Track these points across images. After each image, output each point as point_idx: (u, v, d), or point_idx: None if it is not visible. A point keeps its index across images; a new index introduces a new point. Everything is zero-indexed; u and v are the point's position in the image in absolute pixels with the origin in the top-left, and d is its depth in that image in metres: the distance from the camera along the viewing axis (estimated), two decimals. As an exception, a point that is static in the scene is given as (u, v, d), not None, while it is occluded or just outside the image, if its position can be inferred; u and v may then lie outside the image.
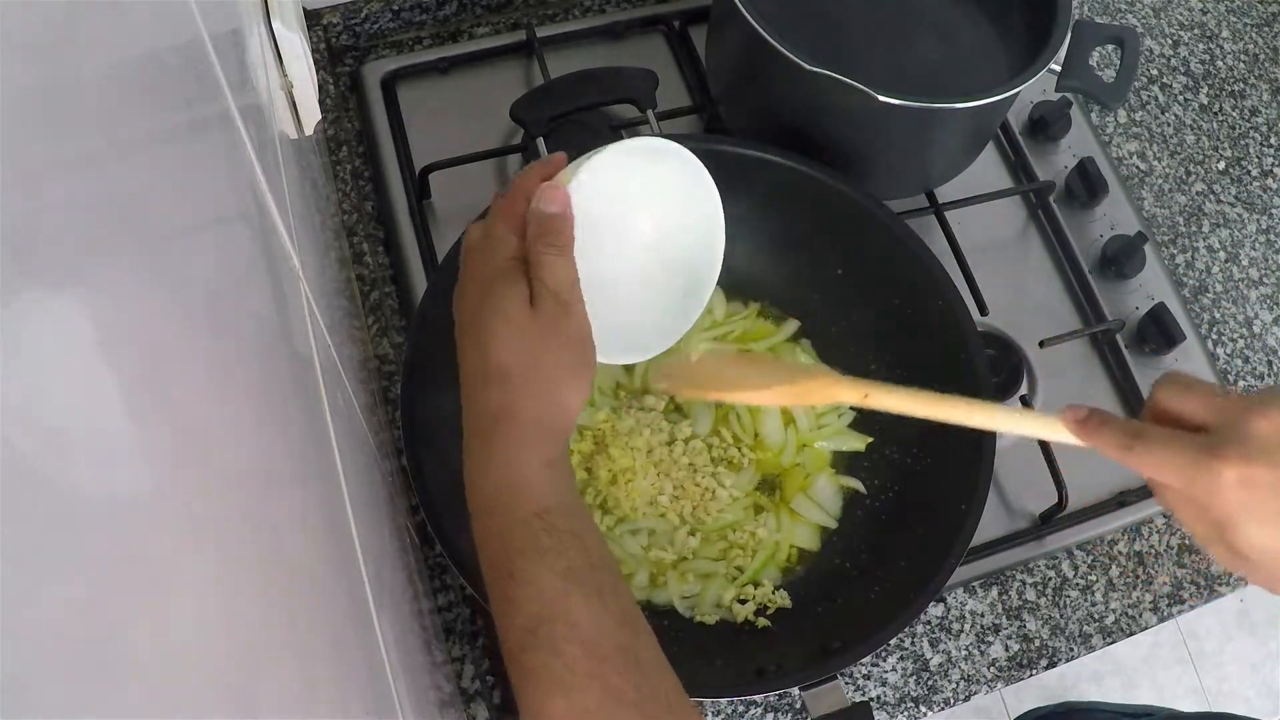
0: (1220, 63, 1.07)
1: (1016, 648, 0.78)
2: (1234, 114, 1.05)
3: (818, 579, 0.75)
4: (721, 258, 0.64)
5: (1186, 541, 0.84)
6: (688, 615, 0.73)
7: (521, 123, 0.81)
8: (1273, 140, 1.04)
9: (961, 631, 0.78)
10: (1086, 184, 0.93)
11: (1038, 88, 0.93)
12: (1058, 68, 0.76)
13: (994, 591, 0.80)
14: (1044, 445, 0.80)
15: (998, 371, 0.84)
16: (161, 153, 0.27)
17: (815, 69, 0.70)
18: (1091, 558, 0.82)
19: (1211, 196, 1.00)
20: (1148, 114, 1.03)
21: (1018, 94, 0.74)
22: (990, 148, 0.96)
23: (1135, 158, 1.00)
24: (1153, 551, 0.83)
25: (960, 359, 0.72)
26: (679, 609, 0.73)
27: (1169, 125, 1.03)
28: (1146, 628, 0.80)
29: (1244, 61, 1.08)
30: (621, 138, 0.89)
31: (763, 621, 0.72)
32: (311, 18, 0.90)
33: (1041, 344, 0.86)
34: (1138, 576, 0.82)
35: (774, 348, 0.82)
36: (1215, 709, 1.76)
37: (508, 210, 0.54)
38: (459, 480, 0.58)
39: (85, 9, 0.21)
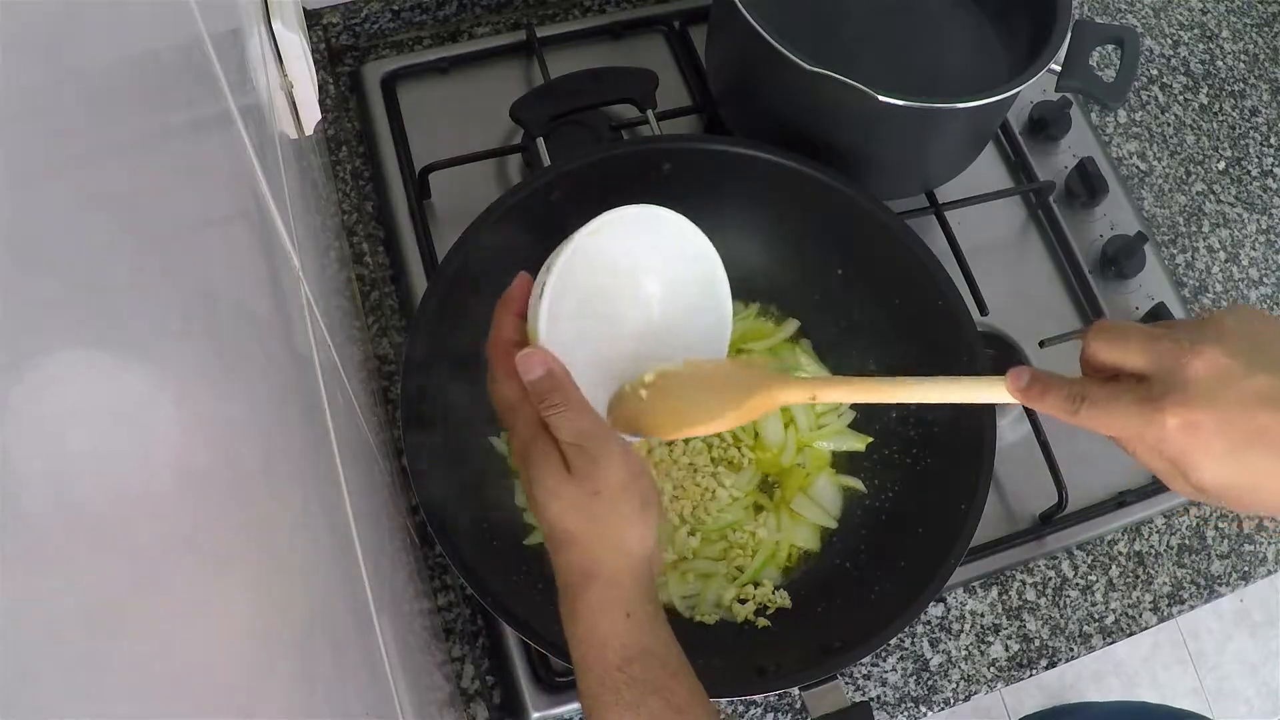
0: (1220, 63, 1.07)
1: (1016, 648, 0.78)
2: (1234, 114, 1.05)
3: (818, 579, 0.75)
4: (731, 314, 0.63)
5: (1186, 541, 0.84)
6: (688, 615, 0.73)
7: (521, 123, 0.81)
8: (1273, 140, 1.04)
9: (961, 631, 0.78)
10: (1086, 184, 0.93)
11: (1038, 88, 0.93)
12: (1058, 68, 0.76)
13: (994, 591, 0.80)
14: (1044, 445, 0.80)
15: (998, 372, 0.84)
16: (161, 152, 0.27)
17: (815, 69, 0.70)
18: (1091, 558, 0.82)
19: (1211, 196, 1.00)
20: (1148, 114, 1.03)
21: (1018, 94, 0.74)
22: (990, 148, 0.96)
23: (1135, 158, 1.00)
24: (1153, 551, 0.83)
25: (960, 359, 0.72)
26: (679, 609, 0.73)
27: (1169, 125, 1.03)
28: (1146, 628, 0.80)
29: (1244, 61, 1.08)
30: (621, 138, 0.89)
31: (763, 621, 0.72)
32: (311, 18, 0.90)
33: (1041, 344, 0.86)
34: (1138, 576, 0.82)
35: (774, 348, 0.82)
36: (1215, 709, 1.76)
37: (503, 369, 0.54)
38: (459, 480, 0.57)
39: (85, 9, 0.21)
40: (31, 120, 0.17)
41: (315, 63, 0.65)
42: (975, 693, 0.76)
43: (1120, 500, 0.83)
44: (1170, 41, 1.07)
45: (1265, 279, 0.97)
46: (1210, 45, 1.08)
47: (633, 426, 0.58)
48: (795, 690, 0.65)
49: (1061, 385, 0.48)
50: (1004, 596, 0.80)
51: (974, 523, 0.67)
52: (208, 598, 0.24)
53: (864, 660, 0.75)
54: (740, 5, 0.72)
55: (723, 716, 0.53)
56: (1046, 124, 0.96)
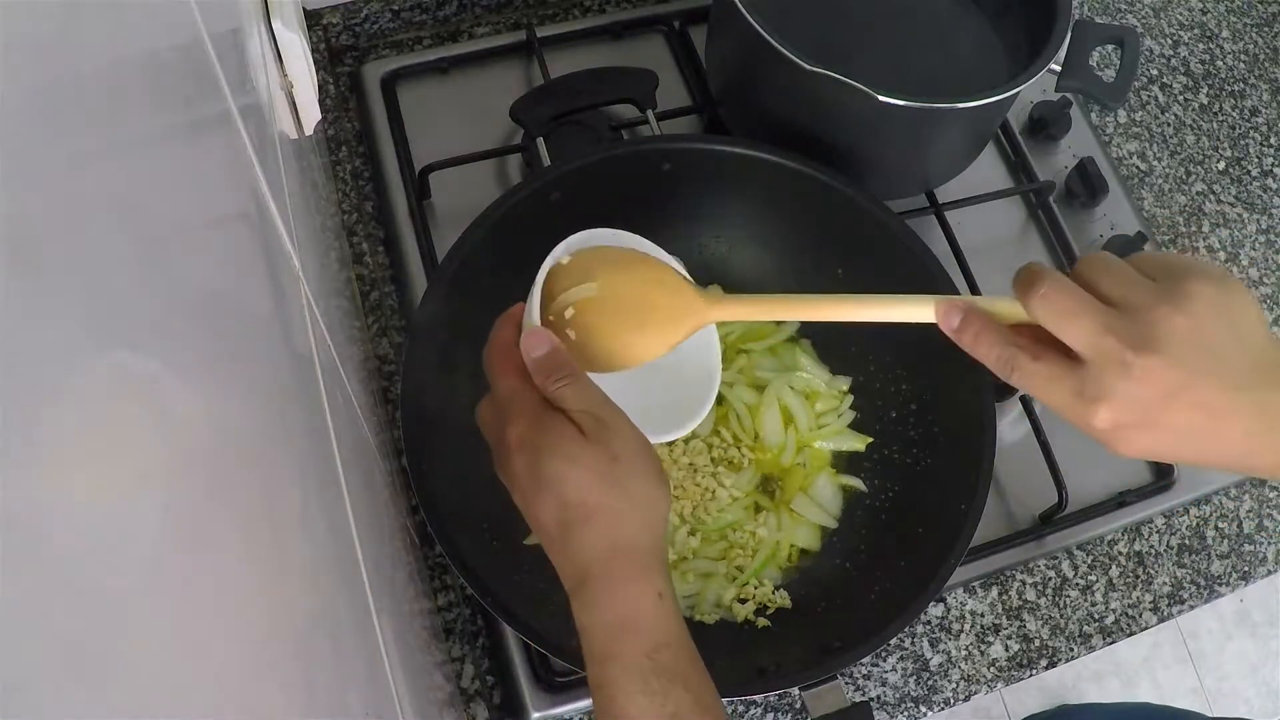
0: (1220, 63, 1.07)
1: (1016, 648, 0.78)
2: (1234, 114, 1.05)
3: (818, 579, 0.75)
4: (718, 337, 0.61)
5: (1186, 541, 0.84)
6: (688, 615, 0.73)
7: (521, 123, 0.81)
8: (1273, 140, 1.04)
9: (961, 631, 0.78)
10: (1086, 184, 0.93)
11: (1038, 88, 0.93)
12: (1058, 68, 0.76)
13: (994, 591, 0.80)
14: (1044, 445, 0.80)
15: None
16: (161, 152, 0.27)
17: (815, 69, 0.70)
18: (1091, 558, 0.82)
19: (1211, 196, 1.00)
20: (1148, 114, 1.03)
21: (1018, 94, 0.74)
22: (990, 148, 0.96)
23: (1135, 158, 1.00)
24: (1153, 551, 0.83)
25: (960, 359, 0.72)
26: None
27: (1169, 125, 1.03)
28: (1146, 628, 0.80)
29: (1244, 61, 1.08)
30: (621, 138, 0.89)
31: (763, 621, 0.72)
32: (311, 18, 0.90)
33: (1041, 344, 0.85)
34: (1138, 576, 0.82)
35: (774, 348, 0.82)
36: (1215, 709, 1.76)
37: (501, 368, 0.53)
38: (459, 480, 0.57)
39: (85, 9, 0.21)
40: (31, 120, 0.17)
41: (315, 63, 0.65)
42: (975, 693, 0.76)
43: (1120, 500, 0.83)
44: (1170, 41, 1.07)
45: (1265, 279, 0.97)
46: (1210, 45, 1.08)
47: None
48: (795, 690, 0.65)
49: (994, 342, 0.47)
50: (1004, 596, 0.80)
51: (974, 523, 0.67)
52: (207, 598, 0.24)
53: (864, 660, 0.75)
54: (740, 5, 0.72)
55: None
56: (1046, 124, 0.96)
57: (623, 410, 0.51)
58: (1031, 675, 0.78)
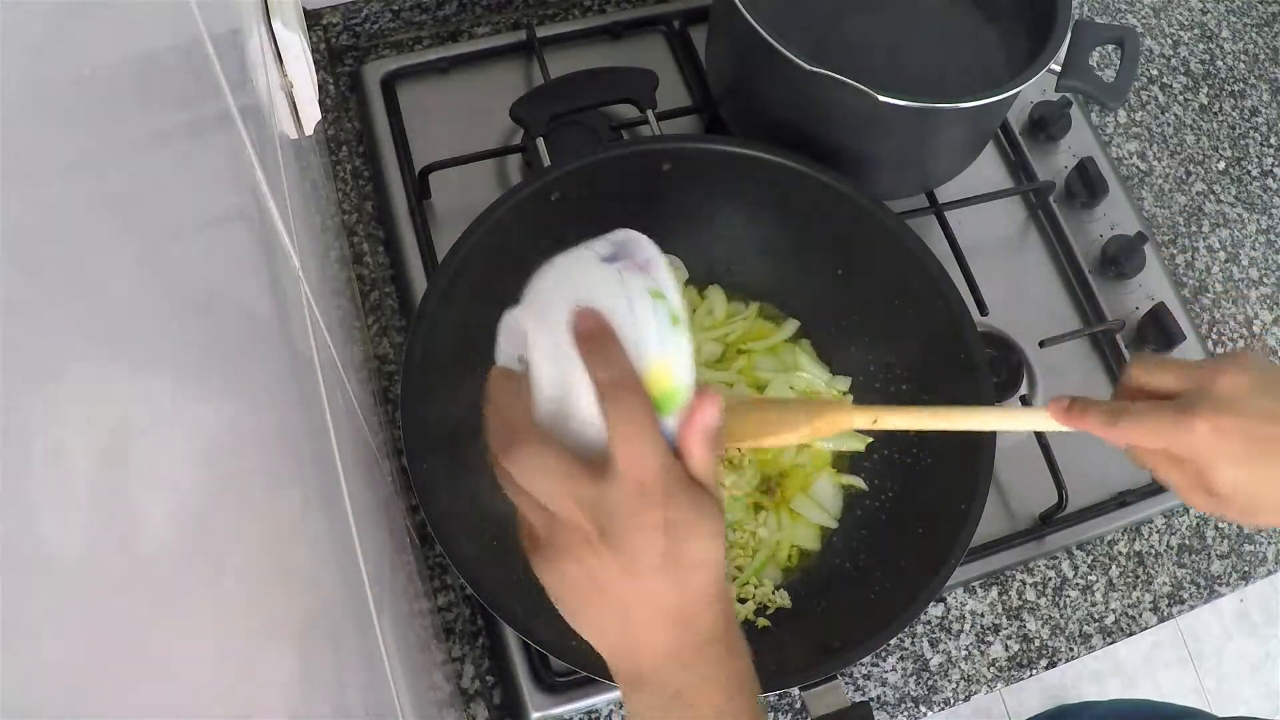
0: (1220, 63, 1.07)
1: (1016, 648, 0.78)
2: (1234, 114, 1.05)
3: (818, 579, 0.75)
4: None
5: (1186, 541, 0.84)
6: (688, 615, 0.73)
7: (521, 123, 0.81)
8: (1273, 140, 1.04)
9: (961, 631, 0.78)
10: (1086, 184, 0.93)
11: (1038, 88, 0.93)
12: (1058, 68, 0.76)
13: (994, 591, 0.80)
14: (1044, 445, 0.80)
15: (998, 371, 0.84)
16: (161, 153, 0.27)
17: (815, 69, 0.70)
18: (1091, 558, 0.82)
19: (1211, 196, 1.00)
20: (1148, 114, 1.03)
21: (1018, 94, 0.74)
22: (990, 148, 0.96)
23: (1135, 158, 1.00)
24: (1153, 551, 0.83)
25: (960, 359, 0.72)
26: (679, 609, 0.73)
27: (1169, 125, 1.03)
28: (1146, 628, 0.80)
29: (1244, 61, 1.08)
30: (621, 138, 0.89)
31: (763, 621, 0.72)
32: (311, 18, 0.90)
33: (1041, 344, 0.86)
34: (1138, 576, 0.82)
35: (774, 348, 0.82)
36: (1215, 709, 1.76)
37: (638, 448, 0.43)
38: (459, 480, 0.57)
39: (85, 9, 0.21)
40: (31, 120, 0.17)
41: (315, 63, 0.65)
42: (975, 693, 0.76)
43: (1120, 500, 0.83)
44: (1170, 41, 1.07)
45: (1265, 279, 0.97)
46: (1210, 45, 1.08)
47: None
48: (795, 690, 0.65)
49: (1100, 403, 0.53)
50: (1004, 596, 0.80)
51: (974, 523, 0.67)
52: (207, 598, 0.24)
53: (864, 660, 0.75)
54: (740, 5, 0.72)
55: None
56: (1046, 124, 0.96)
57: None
58: (1031, 675, 0.78)
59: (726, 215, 0.81)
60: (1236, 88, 1.06)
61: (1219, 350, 0.92)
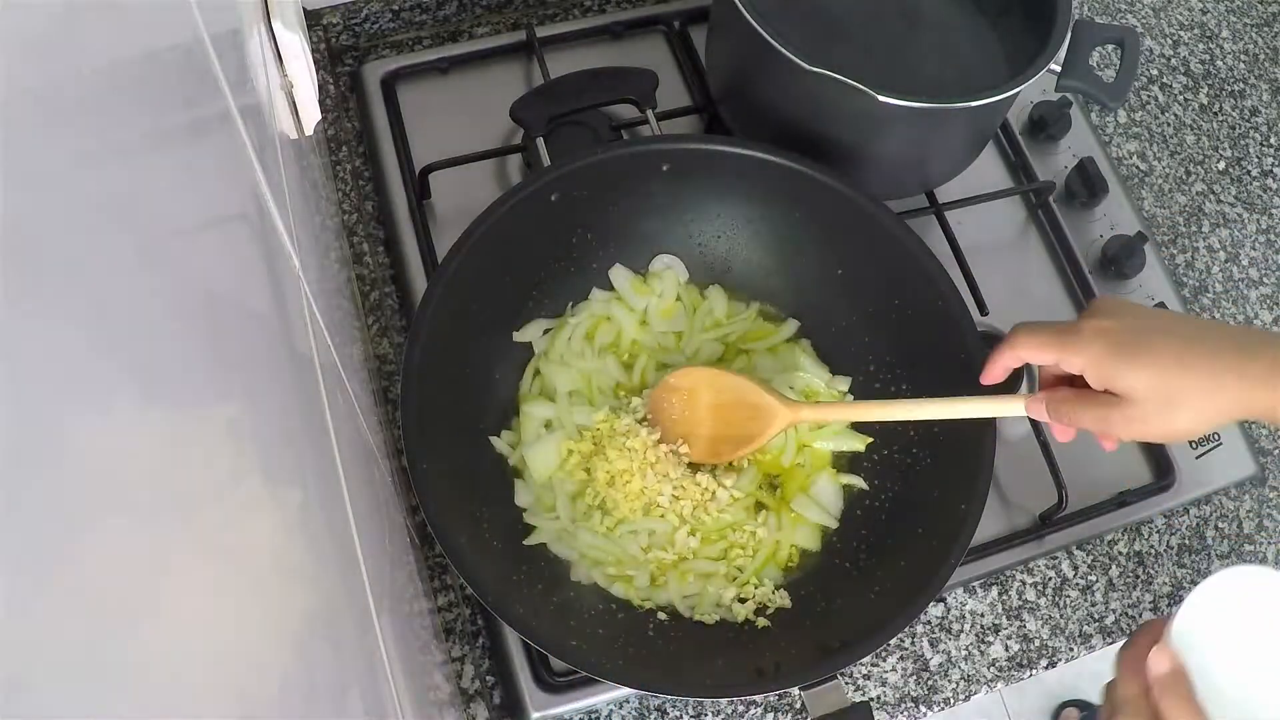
0: (1220, 63, 1.07)
1: (1016, 648, 0.78)
2: (1234, 114, 1.05)
3: (818, 579, 0.75)
4: None
5: (1186, 541, 0.84)
6: (688, 615, 0.73)
7: (521, 123, 0.81)
8: (1273, 140, 1.04)
9: (961, 631, 0.78)
10: (1086, 184, 0.93)
11: (1038, 88, 0.93)
12: (1058, 68, 0.76)
13: (994, 591, 0.80)
14: (1044, 445, 0.80)
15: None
16: (161, 153, 0.27)
17: (815, 69, 0.70)
18: (1091, 558, 0.82)
19: (1211, 196, 1.00)
20: (1148, 114, 1.03)
21: (1018, 94, 0.74)
22: (990, 148, 0.96)
23: (1135, 158, 1.00)
24: (1153, 551, 0.83)
25: (960, 359, 0.72)
26: (679, 609, 0.73)
27: (1169, 125, 1.03)
28: (1146, 628, 0.80)
29: (1244, 61, 1.08)
30: (621, 138, 0.89)
31: (763, 621, 0.72)
32: (311, 18, 0.91)
33: (1041, 344, 0.85)
34: (1138, 576, 0.82)
35: (774, 348, 0.82)
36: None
37: (1130, 669, 0.60)
38: (459, 480, 0.57)
39: (85, 9, 0.21)
40: (32, 120, 0.17)
41: (315, 63, 0.65)
42: (975, 693, 0.76)
43: (1120, 500, 0.83)
44: (1170, 41, 1.07)
45: (1265, 279, 0.97)
46: (1210, 45, 1.08)
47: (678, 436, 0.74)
48: (795, 690, 0.64)
49: (995, 356, 0.64)
50: (1004, 596, 0.80)
51: (974, 523, 0.67)
52: (207, 598, 0.24)
53: (864, 660, 0.75)
54: (740, 5, 0.72)
55: None
56: (1046, 124, 0.96)
57: None
58: (1031, 675, 0.78)
59: (726, 215, 0.81)
60: (1236, 88, 1.06)
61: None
